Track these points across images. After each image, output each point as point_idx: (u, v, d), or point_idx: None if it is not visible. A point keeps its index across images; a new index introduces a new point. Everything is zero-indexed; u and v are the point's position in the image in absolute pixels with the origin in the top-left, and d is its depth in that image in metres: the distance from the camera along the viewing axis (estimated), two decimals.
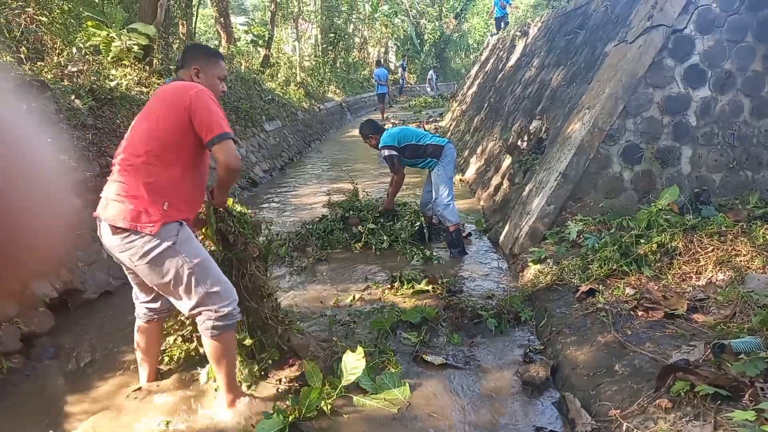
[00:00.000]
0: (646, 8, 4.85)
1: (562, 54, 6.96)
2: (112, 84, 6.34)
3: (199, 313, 2.57)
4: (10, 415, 2.91)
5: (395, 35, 28.54)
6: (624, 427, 2.48)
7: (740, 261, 3.74)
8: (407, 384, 3.01)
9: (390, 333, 3.64)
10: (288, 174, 10.01)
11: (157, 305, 2.85)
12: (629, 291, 3.62)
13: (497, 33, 14.79)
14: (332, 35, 21.79)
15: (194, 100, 2.39)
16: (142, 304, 2.87)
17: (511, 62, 10.12)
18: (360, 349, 3.01)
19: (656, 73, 4.72)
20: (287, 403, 2.75)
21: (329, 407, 2.78)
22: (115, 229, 2.38)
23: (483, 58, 15.12)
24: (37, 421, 2.86)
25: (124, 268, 2.71)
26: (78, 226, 4.41)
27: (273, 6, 15.67)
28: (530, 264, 4.49)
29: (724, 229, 4.10)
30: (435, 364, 3.30)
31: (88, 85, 5.81)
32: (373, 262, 5.11)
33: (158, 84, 7.18)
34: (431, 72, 25.32)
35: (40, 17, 6.69)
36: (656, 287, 3.64)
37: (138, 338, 2.96)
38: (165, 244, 2.41)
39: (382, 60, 22.40)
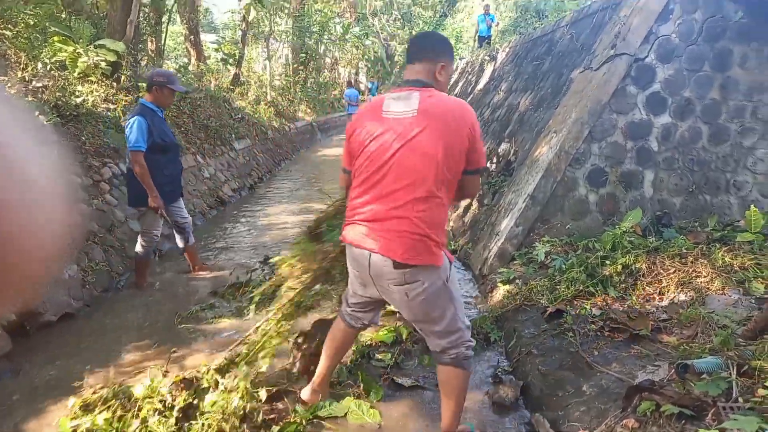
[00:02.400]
0: (609, 37, 5.03)
1: (529, 79, 7.13)
2: (78, 100, 6.22)
3: (453, 347, 2.49)
4: None
5: (366, 56, 28.81)
6: None
7: (701, 282, 3.86)
8: (377, 410, 2.98)
9: (363, 356, 3.60)
10: (257, 193, 9.93)
11: (370, 317, 2.80)
12: (595, 311, 3.69)
13: (480, 48, 14.66)
14: (303, 55, 21.88)
15: (475, 127, 2.25)
16: (357, 317, 2.78)
17: (480, 86, 10.32)
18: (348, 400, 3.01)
19: (620, 100, 4.88)
20: None
21: None
22: (399, 264, 2.26)
23: (452, 81, 15.36)
24: None
25: (356, 287, 2.61)
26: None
27: (244, 25, 15.68)
28: (499, 285, 4.54)
29: (685, 251, 4.23)
30: (406, 386, 3.29)
31: (53, 101, 5.70)
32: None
33: (126, 101, 7.08)
34: None
35: (4, 31, 6.56)
36: (621, 308, 3.73)
37: (336, 335, 2.85)
38: (440, 282, 2.35)
39: (352, 81, 22.53)
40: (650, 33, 4.84)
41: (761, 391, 2.30)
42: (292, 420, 2.75)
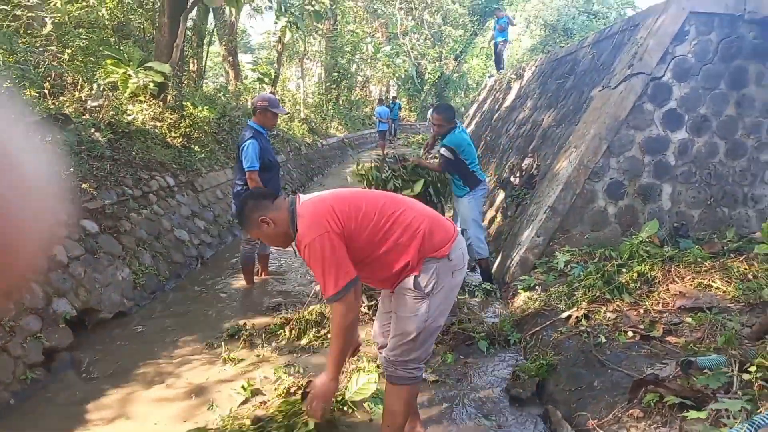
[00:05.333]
0: (627, 57, 5.27)
1: (553, 97, 7.38)
2: (129, 118, 6.73)
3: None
4: (34, 421, 3.16)
5: (397, 75, 29.34)
6: None
7: (713, 290, 4.03)
8: None
9: None
10: None
11: None
12: (610, 316, 3.90)
13: (500, 69, 14.08)
14: (336, 74, 22.49)
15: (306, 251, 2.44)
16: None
17: (507, 103, 10.58)
18: (374, 373, 3.24)
19: (637, 117, 5.10)
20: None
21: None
22: None
23: (481, 98, 15.63)
24: (60, 427, 3.10)
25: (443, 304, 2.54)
26: (95, 250, 4.72)
27: (280, 46, 16.31)
28: (520, 291, 4.77)
29: (700, 260, 4.40)
30: (429, 381, 3.55)
31: (107, 119, 6.19)
32: None
33: (172, 119, 7.59)
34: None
35: (62, 55, 7.13)
36: (635, 313, 3.92)
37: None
38: None
39: (383, 98, 22.98)
40: (666, 53, 5.06)
41: (746, 375, 2.48)
42: None
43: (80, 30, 8.18)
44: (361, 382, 3.21)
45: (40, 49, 6.94)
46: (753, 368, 2.53)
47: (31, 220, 0.45)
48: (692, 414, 2.29)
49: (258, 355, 3.97)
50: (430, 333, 2.44)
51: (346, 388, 3.20)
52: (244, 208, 2.45)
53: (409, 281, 2.35)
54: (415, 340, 2.39)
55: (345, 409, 3.14)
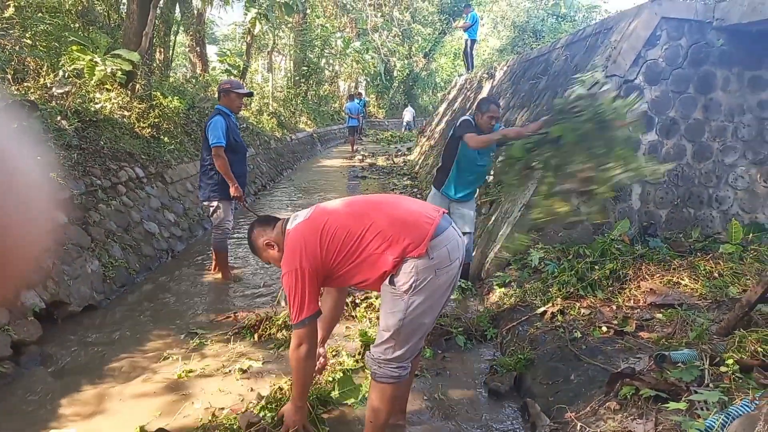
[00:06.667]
0: (601, 60, 5.40)
1: (525, 97, 7.50)
2: (97, 107, 6.52)
3: None
4: (5, 417, 3.05)
5: (366, 71, 29.32)
6: (578, 427, 2.80)
7: (681, 288, 4.18)
8: None
9: (368, 347, 3.88)
10: (261, 201, 10.23)
11: None
12: (584, 311, 4.00)
13: (469, 69, 14.49)
14: (305, 68, 22.31)
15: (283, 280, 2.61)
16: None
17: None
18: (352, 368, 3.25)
19: None
20: None
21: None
22: None
23: (451, 96, 15.72)
24: (29, 424, 2.99)
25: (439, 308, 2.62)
26: (64, 242, 4.57)
27: (249, 38, 16.07)
28: (495, 287, 4.84)
29: (669, 258, 4.56)
30: None
31: (74, 107, 5.99)
32: None
33: (140, 108, 7.39)
34: (409, 109, 25.93)
35: (24, 39, 6.86)
36: (608, 309, 4.04)
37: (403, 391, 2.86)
38: None
39: (354, 94, 22.86)
40: (639, 57, 5.21)
41: (723, 368, 2.59)
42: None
43: (40, 15, 7.86)
44: (343, 380, 3.23)
45: (2, 33, 6.66)
46: (730, 361, 2.63)
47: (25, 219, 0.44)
48: (672, 405, 2.38)
49: (218, 357, 3.87)
50: (412, 331, 2.46)
51: (333, 389, 3.20)
52: (250, 236, 2.71)
53: (387, 280, 2.46)
54: (396, 337, 2.45)
55: (327, 406, 3.13)
